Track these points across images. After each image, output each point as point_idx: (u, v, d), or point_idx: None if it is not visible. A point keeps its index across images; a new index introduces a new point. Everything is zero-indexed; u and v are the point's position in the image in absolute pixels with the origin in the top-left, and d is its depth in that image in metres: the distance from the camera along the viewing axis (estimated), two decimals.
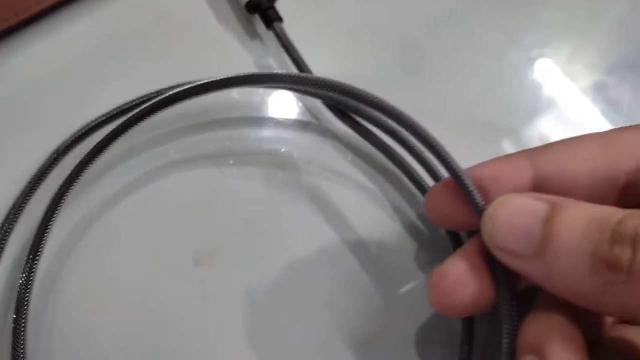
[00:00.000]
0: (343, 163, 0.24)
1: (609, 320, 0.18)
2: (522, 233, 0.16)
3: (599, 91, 0.27)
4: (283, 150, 0.24)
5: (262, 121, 0.25)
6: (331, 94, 0.21)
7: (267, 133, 0.25)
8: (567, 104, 0.26)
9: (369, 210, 0.23)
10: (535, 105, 0.26)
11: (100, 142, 0.20)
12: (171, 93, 0.20)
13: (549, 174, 0.18)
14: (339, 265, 0.22)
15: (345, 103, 0.23)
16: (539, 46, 0.28)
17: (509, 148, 0.25)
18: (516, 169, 0.18)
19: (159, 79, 0.23)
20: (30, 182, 0.21)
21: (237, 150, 0.24)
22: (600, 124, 0.26)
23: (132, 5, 0.26)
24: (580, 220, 0.15)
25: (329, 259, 0.22)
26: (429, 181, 0.22)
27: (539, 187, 0.18)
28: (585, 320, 0.17)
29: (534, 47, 0.28)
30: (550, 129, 0.26)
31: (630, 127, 0.19)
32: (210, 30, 0.26)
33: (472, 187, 0.18)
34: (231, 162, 0.24)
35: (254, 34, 0.26)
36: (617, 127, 0.25)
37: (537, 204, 0.16)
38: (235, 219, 0.23)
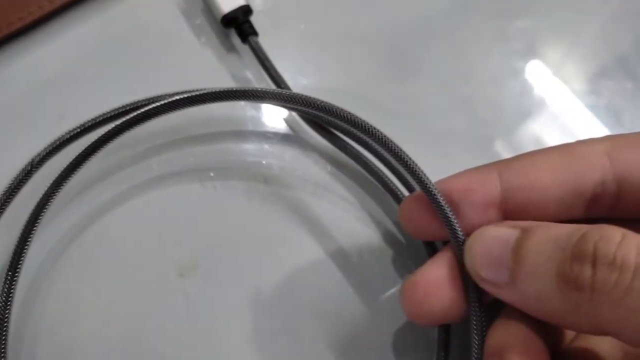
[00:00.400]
0: (322, 174, 0.24)
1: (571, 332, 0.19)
2: (495, 263, 0.17)
3: (590, 93, 0.27)
4: (264, 162, 0.25)
5: (242, 134, 0.25)
6: (305, 109, 0.22)
7: (248, 146, 0.25)
8: (558, 107, 0.27)
9: (348, 220, 0.24)
10: (526, 108, 0.27)
11: (76, 157, 0.21)
12: (149, 108, 0.21)
13: (516, 185, 0.18)
14: (319, 273, 0.23)
15: (321, 116, 0.23)
16: (529, 49, 0.28)
17: (500, 151, 0.26)
18: (485, 181, 0.19)
19: (136, 92, 0.23)
20: (3, 194, 0.21)
21: (219, 163, 0.24)
22: (591, 126, 0.27)
23: (108, 21, 0.27)
24: (545, 242, 0.16)
25: (310, 268, 0.23)
26: (404, 191, 0.23)
27: (508, 199, 0.18)
28: (549, 328, 0.17)
29: (524, 50, 0.28)
30: (541, 132, 0.26)
31: (595, 138, 0.19)
32: (187, 44, 0.26)
33: (443, 202, 0.19)
34: (212, 174, 0.24)
35: (230, 48, 0.27)
36: (608, 129, 0.26)
37: (508, 232, 0.17)
38: (218, 231, 0.23)
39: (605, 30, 0.29)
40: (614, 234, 0.14)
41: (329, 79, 0.26)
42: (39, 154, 0.22)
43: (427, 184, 0.19)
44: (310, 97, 0.21)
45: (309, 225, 0.23)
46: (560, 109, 0.27)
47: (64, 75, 0.25)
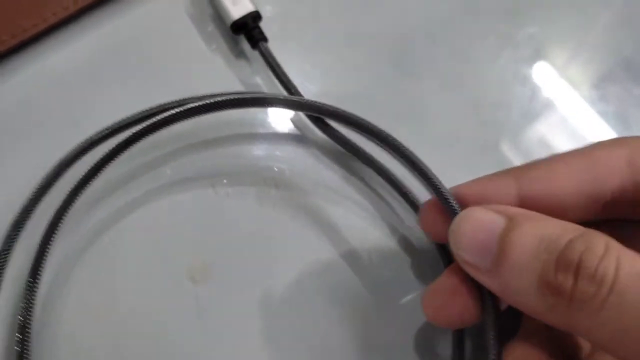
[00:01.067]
0: (334, 179, 0.24)
1: (587, 346, 0.18)
2: (480, 248, 0.17)
3: (596, 95, 0.27)
4: (275, 167, 0.25)
5: (254, 138, 0.25)
6: (320, 115, 0.22)
7: (259, 150, 0.25)
8: (564, 109, 0.27)
9: (361, 225, 0.24)
10: (532, 109, 0.27)
11: (95, 164, 0.21)
12: (174, 112, 0.21)
13: (534, 192, 0.19)
14: (331, 279, 0.23)
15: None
16: (535, 51, 0.28)
17: (506, 152, 0.26)
18: (501, 187, 0.19)
19: (149, 98, 0.23)
20: (30, 200, 0.21)
21: (230, 168, 0.24)
22: (597, 127, 0.27)
23: (117, 29, 0.27)
24: (532, 238, 0.16)
25: (322, 273, 0.23)
26: (419, 195, 0.23)
27: (524, 205, 0.18)
28: (565, 345, 0.17)
29: (530, 52, 0.28)
30: (547, 134, 0.26)
31: (614, 141, 0.19)
32: (197, 51, 0.27)
33: (457, 208, 0.19)
34: (225, 181, 0.24)
35: (240, 54, 0.27)
36: (614, 130, 0.26)
37: (495, 219, 0.17)
38: (230, 236, 0.23)
39: (616, 28, 0.29)
40: (599, 244, 0.15)
41: (336, 84, 0.27)
42: (61, 162, 0.22)
43: (442, 190, 0.19)
44: (324, 105, 0.21)
45: (321, 230, 0.23)
46: (567, 112, 0.27)
47: (76, 82, 0.25)
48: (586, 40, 0.29)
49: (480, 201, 0.19)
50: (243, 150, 0.25)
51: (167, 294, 0.22)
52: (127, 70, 0.26)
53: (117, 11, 0.27)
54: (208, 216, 0.24)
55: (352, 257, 0.23)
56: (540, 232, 0.16)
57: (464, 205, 0.19)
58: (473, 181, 0.20)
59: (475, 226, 0.17)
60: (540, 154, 0.25)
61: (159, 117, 0.21)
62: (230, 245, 0.23)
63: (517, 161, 0.25)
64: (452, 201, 0.19)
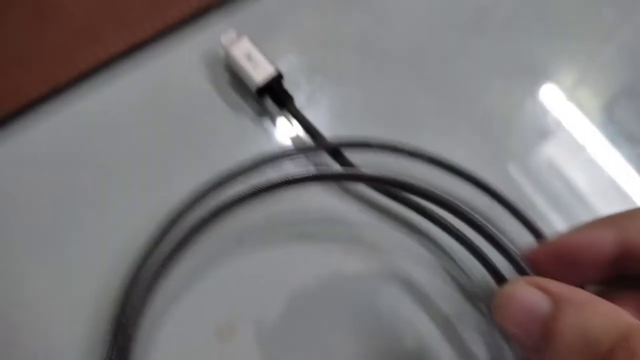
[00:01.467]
0: (366, 231, 0.25)
1: None
2: (524, 329, 0.17)
3: (605, 116, 0.28)
4: (305, 220, 0.25)
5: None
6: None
7: (286, 199, 0.25)
8: (573, 129, 0.28)
9: (396, 278, 0.24)
10: (541, 130, 0.28)
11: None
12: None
13: (638, 242, 0.19)
14: (362, 342, 0.23)
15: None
16: (544, 72, 0.29)
17: (514, 173, 0.27)
18: (597, 238, 0.19)
19: (178, 166, 0.24)
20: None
21: (257, 224, 0.24)
22: (606, 148, 0.28)
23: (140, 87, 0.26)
24: (575, 335, 0.16)
25: (354, 331, 0.23)
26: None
27: (626, 255, 0.19)
28: None
29: (539, 73, 0.29)
30: (556, 155, 0.27)
31: None
32: (220, 113, 0.26)
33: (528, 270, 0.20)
34: (251, 235, 0.24)
35: (263, 112, 0.26)
36: (622, 153, 0.28)
37: (539, 301, 0.17)
38: (256, 295, 0.23)
39: (625, 50, 0.30)
40: None
41: (354, 127, 0.27)
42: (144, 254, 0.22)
43: (512, 254, 0.21)
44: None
45: (354, 284, 0.24)
46: (576, 135, 0.28)
47: (101, 135, 0.25)
48: (599, 57, 0.30)
49: (575, 254, 0.19)
50: (268, 201, 0.24)
51: (197, 350, 0.22)
52: (152, 130, 0.25)
53: (138, 66, 0.26)
54: (235, 273, 0.23)
55: (382, 312, 0.24)
56: (583, 326, 0.16)
57: (562, 255, 0.19)
58: (571, 232, 0.20)
59: (519, 307, 0.17)
60: (549, 177, 0.27)
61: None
62: (258, 303, 0.23)
63: (525, 185, 0.27)
64: (523, 264, 0.20)
